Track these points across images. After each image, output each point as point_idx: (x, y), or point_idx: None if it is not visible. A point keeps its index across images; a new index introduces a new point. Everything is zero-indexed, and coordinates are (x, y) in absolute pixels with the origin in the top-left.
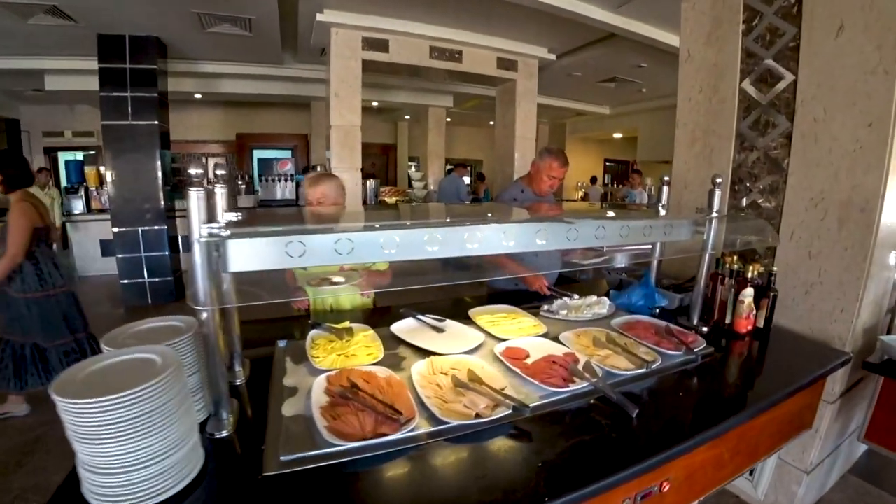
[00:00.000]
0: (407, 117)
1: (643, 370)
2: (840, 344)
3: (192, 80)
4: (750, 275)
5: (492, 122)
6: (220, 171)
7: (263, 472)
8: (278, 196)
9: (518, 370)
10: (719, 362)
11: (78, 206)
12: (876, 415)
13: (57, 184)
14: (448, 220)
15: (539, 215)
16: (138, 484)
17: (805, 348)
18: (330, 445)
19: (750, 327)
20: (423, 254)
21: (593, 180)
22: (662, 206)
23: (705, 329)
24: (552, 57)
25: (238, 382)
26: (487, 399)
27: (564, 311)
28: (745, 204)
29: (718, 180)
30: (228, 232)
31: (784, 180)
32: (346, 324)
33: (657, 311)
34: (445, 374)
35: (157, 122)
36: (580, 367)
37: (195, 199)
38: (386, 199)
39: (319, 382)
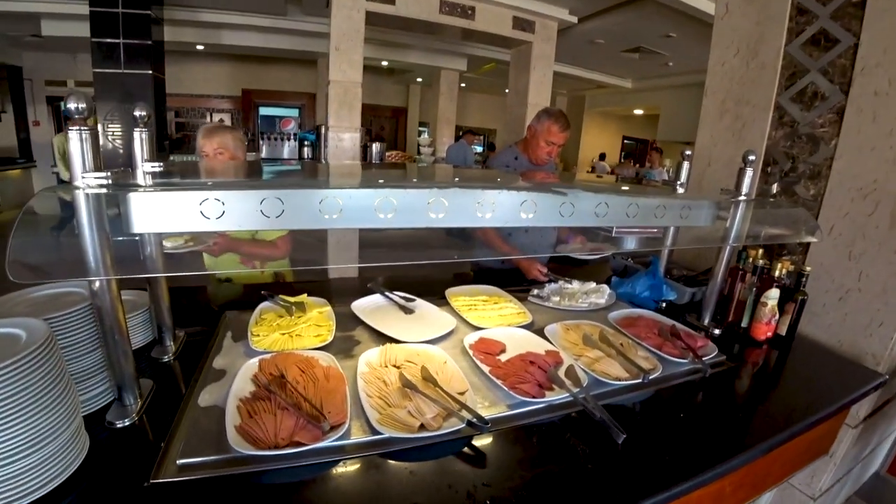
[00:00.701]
0: (419, 80)
1: (638, 380)
2: (874, 363)
3: (192, 30)
4: (777, 273)
5: (507, 90)
6: (139, 113)
7: (152, 477)
8: (285, 155)
9: (487, 369)
10: (730, 375)
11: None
12: None
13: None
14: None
15: (527, 183)
16: None
17: (831, 364)
18: (233, 451)
19: (770, 334)
20: (425, 221)
21: (602, 156)
22: (680, 184)
23: (717, 331)
24: (573, 19)
25: (165, 359)
26: (438, 407)
27: (557, 298)
28: (775, 190)
29: (751, 157)
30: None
31: (829, 165)
32: (303, 297)
33: (664, 305)
34: (398, 367)
35: (150, 72)
36: (562, 371)
37: (76, 140)
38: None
39: (249, 367)
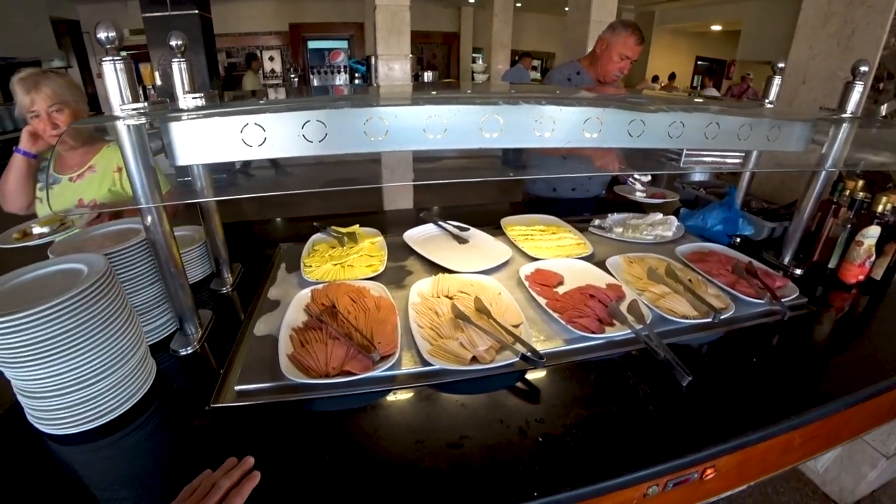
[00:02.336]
0: (471, 1)
1: (707, 319)
2: None
3: None
4: (881, 208)
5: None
6: (175, 42)
7: (212, 402)
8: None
9: (543, 302)
10: (810, 320)
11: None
12: None
13: None
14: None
15: (589, 96)
16: (74, 407)
17: None
18: (286, 379)
19: (862, 277)
20: (478, 141)
21: (671, 76)
22: (769, 102)
23: (798, 272)
24: None
25: (224, 291)
26: (491, 339)
27: (620, 230)
28: (884, 112)
29: (863, 68)
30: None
31: None
32: (355, 227)
33: (738, 241)
34: (451, 297)
35: (197, 12)
36: (624, 306)
37: (110, 71)
38: None
39: (301, 297)
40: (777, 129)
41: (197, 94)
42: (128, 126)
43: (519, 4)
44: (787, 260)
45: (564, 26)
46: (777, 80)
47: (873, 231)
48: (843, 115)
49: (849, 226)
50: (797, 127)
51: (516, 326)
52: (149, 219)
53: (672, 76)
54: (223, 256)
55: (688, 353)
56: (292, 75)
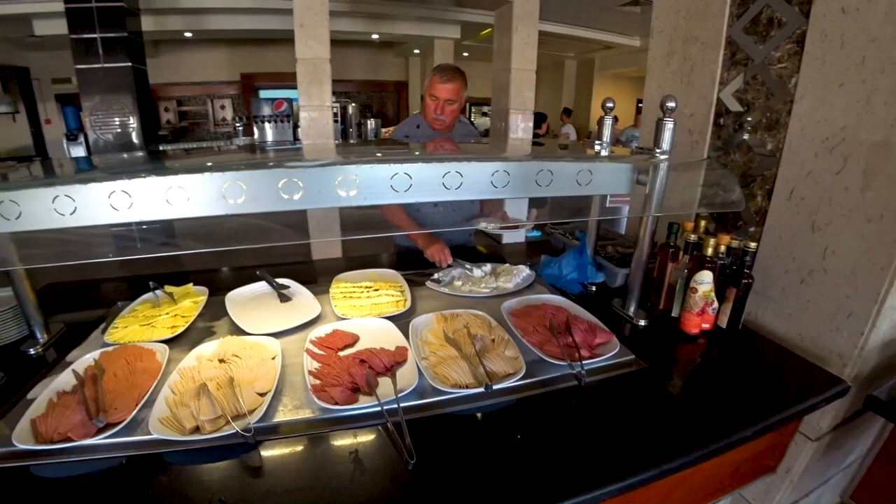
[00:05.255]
0: (416, 52)
1: (478, 390)
2: (839, 364)
3: (177, 18)
4: (710, 251)
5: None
6: None
7: None
8: (269, 138)
9: (310, 367)
10: (635, 379)
11: (78, 152)
12: (873, 472)
13: None
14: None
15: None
16: None
17: (785, 363)
18: (11, 444)
19: (707, 326)
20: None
21: (567, 112)
22: (599, 143)
23: (643, 322)
24: None
25: (32, 352)
26: (223, 409)
27: (460, 283)
28: (733, 145)
29: (670, 104)
30: None
31: (788, 110)
32: (188, 287)
33: (593, 289)
34: (223, 360)
35: (129, 64)
36: (404, 370)
37: None
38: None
39: (85, 360)
40: (588, 172)
41: None
42: None
43: (466, 54)
44: (632, 310)
45: None
46: (608, 121)
47: (704, 277)
48: (658, 157)
49: (686, 271)
50: (607, 170)
51: (263, 394)
52: None
53: (615, 119)
54: (36, 319)
55: (457, 424)
56: (237, 124)
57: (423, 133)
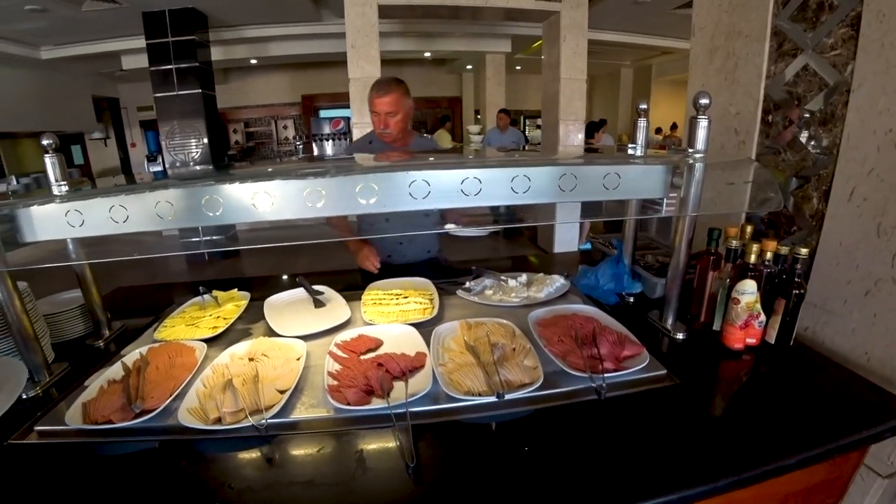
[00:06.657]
0: (469, 67)
1: (490, 399)
2: None
3: (242, 47)
4: (754, 258)
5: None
6: (46, 141)
7: (11, 438)
8: (328, 153)
9: (330, 368)
10: (664, 396)
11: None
12: None
13: None
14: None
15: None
16: None
17: (846, 385)
18: (65, 423)
19: (752, 341)
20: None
21: (673, 126)
22: (631, 147)
23: (681, 336)
24: None
25: (96, 345)
26: (244, 404)
27: (490, 292)
28: (784, 143)
29: (703, 101)
30: None
31: (844, 102)
32: (233, 291)
33: (631, 300)
34: (252, 359)
35: (200, 91)
36: (419, 376)
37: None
38: None
39: (134, 354)
40: (616, 176)
41: (63, 182)
42: None
43: (519, 68)
44: (669, 322)
45: None
46: (642, 123)
47: (748, 286)
48: (691, 156)
49: (727, 280)
50: (635, 171)
51: (283, 392)
52: None
53: (673, 126)
54: (100, 317)
55: (466, 431)
56: (297, 142)
57: (375, 148)
